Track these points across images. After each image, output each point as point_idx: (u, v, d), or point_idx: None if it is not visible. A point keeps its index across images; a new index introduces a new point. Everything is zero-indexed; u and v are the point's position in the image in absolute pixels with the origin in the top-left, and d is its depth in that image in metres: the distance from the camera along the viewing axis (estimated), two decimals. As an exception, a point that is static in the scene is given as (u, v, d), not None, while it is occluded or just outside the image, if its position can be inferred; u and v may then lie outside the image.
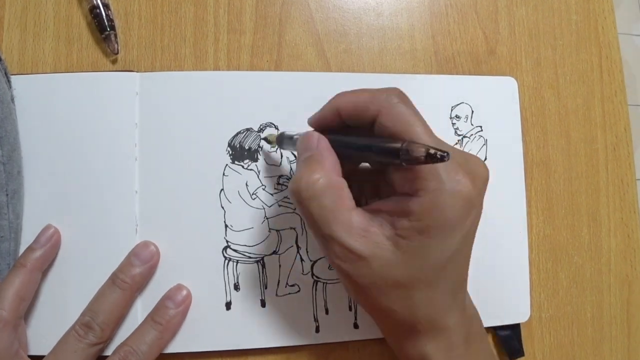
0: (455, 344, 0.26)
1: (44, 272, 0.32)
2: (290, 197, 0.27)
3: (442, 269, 0.25)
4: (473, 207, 0.25)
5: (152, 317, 0.32)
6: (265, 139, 0.35)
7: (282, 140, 0.32)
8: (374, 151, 0.25)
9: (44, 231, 0.32)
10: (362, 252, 0.25)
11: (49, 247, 0.32)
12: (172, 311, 0.32)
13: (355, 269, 0.25)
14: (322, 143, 0.27)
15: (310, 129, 0.29)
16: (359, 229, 0.25)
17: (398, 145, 0.23)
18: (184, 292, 0.33)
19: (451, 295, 0.26)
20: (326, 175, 0.25)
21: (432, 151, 0.22)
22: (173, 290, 0.33)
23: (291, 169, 0.36)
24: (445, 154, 0.22)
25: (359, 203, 0.27)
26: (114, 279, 0.32)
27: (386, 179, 0.28)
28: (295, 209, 0.35)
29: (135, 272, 0.32)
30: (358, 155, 0.27)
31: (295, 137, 0.30)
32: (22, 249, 0.32)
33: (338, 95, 0.28)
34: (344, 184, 0.26)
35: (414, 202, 0.24)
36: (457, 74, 0.39)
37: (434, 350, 0.26)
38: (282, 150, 0.36)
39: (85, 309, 0.31)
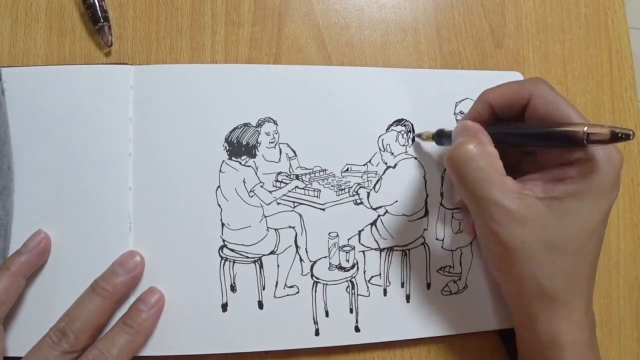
0: (585, 330, 0.27)
1: (35, 272, 0.31)
2: (447, 165, 0.29)
3: (591, 235, 0.27)
4: (620, 180, 0.28)
5: (124, 320, 0.31)
6: (420, 135, 0.35)
7: (442, 136, 0.33)
8: (550, 140, 0.27)
9: (33, 236, 0.31)
10: (517, 212, 0.26)
11: (37, 252, 0.31)
12: (144, 314, 0.31)
13: (509, 230, 0.26)
14: (477, 126, 0.29)
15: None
16: (513, 191, 0.27)
17: (580, 129, 0.26)
18: (157, 295, 0.32)
19: (591, 269, 0.28)
20: (481, 143, 0.28)
21: (617, 131, 0.24)
22: (146, 292, 0.32)
23: (290, 165, 0.35)
24: (631, 132, 0.24)
25: None
26: (95, 286, 0.31)
27: (539, 155, 0.30)
28: (294, 207, 0.34)
29: (117, 280, 0.31)
30: (520, 142, 0.29)
31: (451, 131, 0.32)
32: (12, 247, 0.32)
33: (485, 90, 0.31)
34: (497, 153, 0.28)
35: (572, 169, 0.27)
36: (462, 68, 0.38)
37: (568, 330, 0.27)
38: (280, 147, 0.35)
39: (63, 314, 0.30)
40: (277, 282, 0.34)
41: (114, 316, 0.32)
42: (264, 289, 0.34)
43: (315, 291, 0.34)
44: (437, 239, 0.36)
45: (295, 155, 0.35)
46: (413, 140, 0.36)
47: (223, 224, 0.33)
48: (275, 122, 0.35)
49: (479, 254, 0.36)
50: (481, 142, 0.28)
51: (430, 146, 0.36)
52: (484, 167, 0.27)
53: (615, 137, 0.24)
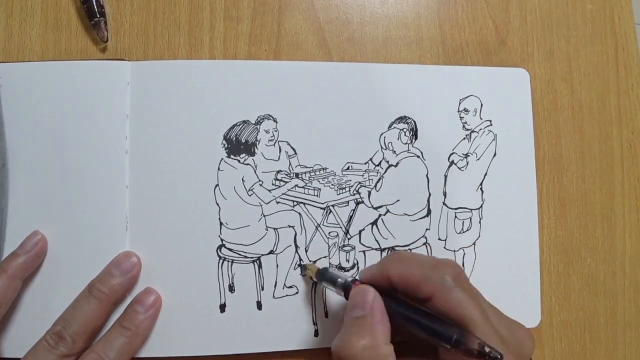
0: None
1: (31, 274, 0.31)
2: (334, 357, 0.26)
3: None
4: None
5: (121, 322, 0.31)
6: (304, 266, 0.34)
7: (324, 278, 0.31)
8: (427, 333, 0.26)
9: (30, 237, 0.31)
10: None
11: (33, 254, 0.31)
12: (142, 316, 0.31)
13: None
14: (377, 304, 0.27)
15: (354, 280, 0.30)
16: None
17: (452, 334, 0.24)
18: (153, 296, 0.32)
19: None
20: (375, 344, 0.25)
21: (486, 349, 0.23)
22: (142, 293, 0.32)
23: (290, 163, 0.34)
24: (499, 355, 0.23)
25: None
26: (90, 288, 0.30)
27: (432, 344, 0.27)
28: (294, 206, 0.34)
29: (114, 282, 0.31)
30: (411, 327, 0.27)
31: (340, 280, 0.30)
32: (7, 245, 0.31)
33: (391, 259, 0.29)
34: (390, 352, 0.26)
35: None
36: (465, 65, 0.38)
37: None
38: (280, 145, 0.34)
39: (59, 317, 0.30)
40: (276, 282, 0.33)
41: (110, 317, 0.31)
42: (262, 289, 0.33)
43: (315, 292, 0.34)
44: (439, 239, 0.35)
45: (295, 154, 0.34)
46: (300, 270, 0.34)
47: (221, 223, 0.33)
48: (274, 120, 0.34)
49: (482, 255, 0.36)
50: (375, 342, 0.25)
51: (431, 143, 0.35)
52: None
53: (482, 354, 0.23)
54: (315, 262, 0.34)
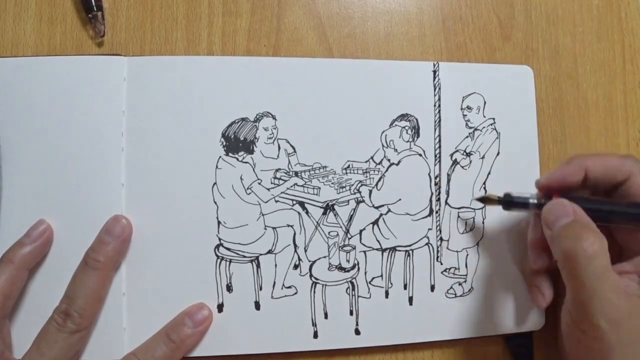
0: None
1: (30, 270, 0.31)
2: (563, 259, 0.28)
3: None
4: None
5: (167, 332, 0.31)
6: (484, 198, 0.33)
7: (510, 204, 0.32)
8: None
9: (36, 226, 0.31)
10: (624, 311, 0.27)
11: (40, 243, 0.30)
12: (189, 330, 0.31)
13: (614, 328, 0.27)
14: (579, 210, 0.29)
15: (533, 189, 0.32)
16: (620, 289, 0.27)
17: None
18: (205, 312, 0.32)
19: None
20: (599, 239, 0.28)
21: None
22: (194, 307, 0.32)
23: (289, 162, 0.34)
24: None
25: None
26: (86, 260, 0.30)
27: (621, 239, 0.31)
28: (293, 205, 0.34)
29: (108, 248, 0.30)
30: (615, 219, 0.30)
31: (531, 201, 0.31)
32: (2, 244, 0.30)
33: (580, 156, 0.32)
34: (607, 246, 0.28)
35: None
36: (468, 61, 0.37)
37: None
38: (279, 142, 0.34)
39: (63, 296, 0.30)
40: (274, 283, 0.33)
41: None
42: (261, 289, 0.33)
43: (314, 292, 0.33)
44: (442, 239, 0.35)
45: (295, 152, 0.34)
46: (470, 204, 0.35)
47: (219, 222, 0.33)
48: (273, 117, 0.34)
49: (486, 255, 0.35)
50: (597, 236, 0.28)
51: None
52: (603, 266, 0.27)
53: None
54: (315, 262, 0.34)
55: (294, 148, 0.34)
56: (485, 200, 0.33)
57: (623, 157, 0.31)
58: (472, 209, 0.35)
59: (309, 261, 0.34)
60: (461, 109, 0.36)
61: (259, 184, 0.33)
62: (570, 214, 0.29)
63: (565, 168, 0.31)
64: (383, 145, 0.35)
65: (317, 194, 0.34)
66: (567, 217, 0.29)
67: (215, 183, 0.33)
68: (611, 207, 0.30)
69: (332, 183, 0.34)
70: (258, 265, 0.33)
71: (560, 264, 0.29)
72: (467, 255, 0.35)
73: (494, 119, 0.36)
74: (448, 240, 0.35)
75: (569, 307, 0.29)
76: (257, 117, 0.34)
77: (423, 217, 0.35)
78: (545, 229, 0.30)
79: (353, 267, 0.34)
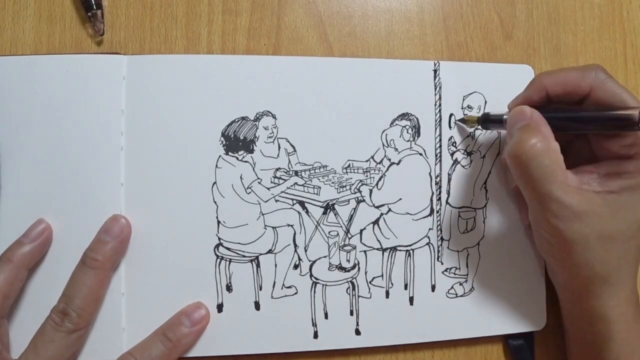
0: (631, 305, 0.30)
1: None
2: (509, 160, 0.30)
3: None
4: None
5: (164, 331, 0.31)
6: (464, 120, 0.35)
7: (487, 121, 0.34)
8: (601, 122, 0.29)
9: (35, 225, 0.31)
10: (577, 207, 0.28)
11: (40, 243, 0.30)
12: (186, 329, 0.31)
13: (569, 225, 0.28)
14: (536, 114, 0.30)
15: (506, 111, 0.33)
16: (573, 187, 0.28)
17: (635, 113, 0.27)
18: (203, 311, 0.32)
19: (639, 252, 0.30)
20: (545, 139, 0.28)
21: None
22: (192, 307, 0.32)
23: (289, 161, 0.34)
24: None
25: None
26: (84, 259, 0.30)
27: (594, 146, 0.31)
28: (293, 205, 0.33)
29: (106, 248, 0.30)
30: (576, 127, 0.30)
31: (505, 117, 0.32)
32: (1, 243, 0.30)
33: (541, 75, 0.31)
34: (558, 147, 0.29)
35: (630, 163, 0.29)
36: (469, 60, 0.37)
37: (616, 305, 0.29)
38: (279, 142, 0.34)
39: (61, 295, 0.30)
40: (274, 282, 0.33)
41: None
42: (260, 289, 0.33)
43: (314, 292, 0.33)
44: (442, 238, 0.35)
45: (295, 151, 0.34)
46: (451, 125, 0.35)
47: (219, 222, 0.33)
48: (273, 116, 0.34)
49: (487, 255, 0.35)
50: (545, 137, 0.29)
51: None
52: (548, 165, 0.28)
53: None
54: (315, 261, 0.33)
55: (294, 147, 0.34)
56: (465, 121, 0.35)
57: (583, 69, 0.30)
58: (473, 208, 0.35)
59: (309, 261, 0.33)
60: (462, 108, 0.36)
61: (259, 183, 0.33)
62: (527, 118, 0.29)
63: (527, 90, 0.32)
64: (384, 145, 0.34)
65: (317, 194, 0.34)
66: (522, 122, 0.29)
67: (215, 182, 0.33)
68: (572, 114, 0.30)
69: (333, 182, 0.34)
70: (258, 265, 0.33)
71: (510, 167, 0.30)
72: (468, 255, 0.35)
73: (495, 118, 0.36)
74: (449, 240, 0.35)
75: (529, 208, 0.30)
76: (257, 116, 0.34)
77: (424, 217, 0.35)
78: (507, 138, 0.31)
79: (353, 267, 0.34)
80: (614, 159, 0.30)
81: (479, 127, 0.35)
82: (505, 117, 0.32)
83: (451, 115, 0.35)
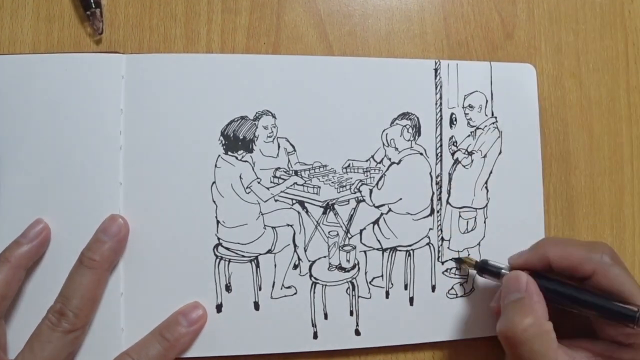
0: None
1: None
2: (501, 338, 0.29)
3: None
4: None
5: (161, 331, 0.31)
6: (460, 259, 0.34)
7: (484, 270, 0.33)
8: (604, 311, 0.29)
9: (33, 225, 0.30)
10: None
11: (38, 243, 0.30)
12: (183, 329, 0.31)
13: None
14: (531, 286, 0.29)
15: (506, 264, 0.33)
16: None
17: (635, 310, 0.28)
18: (200, 311, 0.31)
19: None
20: (537, 322, 0.28)
21: None
22: (189, 306, 0.32)
23: (289, 160, 0.34)
24: None
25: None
26: (82, 259, 0.30)
27: (594, 323, 0.31)
28: (293, 205, 0.33)
29: (104, 248, 0.30)
30: (574, 306, 0.30)
31: (502, 271, 0.32)
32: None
33: (548, 243, 0.32)
34: (551, 327, 0.28)
35: (627, 352, 0.29)
36: (470, 59, 0.37)
37: None
38: (279, 141, 0.34)
39: (58, 295, 0.30)
40: (273, 283, 0.33)
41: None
42: (260, 289, 0.33)
43: (314, 292, 0.33)
44: (443, 239, 0.35)
45: (294, 150, 0.34)
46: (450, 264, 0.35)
47: (218, 222, 0.33)
48: (273, 116, 0.34)
49: (487, 255, 0.35)
50: (537, 318, 0.28)
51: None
52: (539, 350, 0.27)
53: None
54: (314, 261, 0.33)
55: (293, 147, 0.34)
56: (462, 261, 0.34)
57: (590, 249, 0.30)
58: (474, 208, 0.35)
59: (309, 261, 0.33)
60: (463, 107, 0.35)
61: (259, 183, 0.33)
62: (522, 290, 0.29)
63: (530, 255, 0.32)
64: (384, 144, 0.34)
65: (317, 193, 0.34)
66: (518, 293, 0.29)
67: (214, 182, 0.33)
68: (572, 293, 0.30)
69: (332, 182, 0.34)
70: (257, 265, 0.33)
71: (502, 343, 0.29)
72: (469, 255, 0.35)
73: (496, 117, 0.36)
74: (449, 240, 0.35)
75: None
76: (257, 115, 0.33)
77: (424, 217, 0.34)
78: (501, 306, 0.30)
79: (353, 267, 0.34)
80: (612, 342, 0.29)
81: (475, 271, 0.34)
82: (503, 271, 0.32)
83: (452, 114, 0.35)
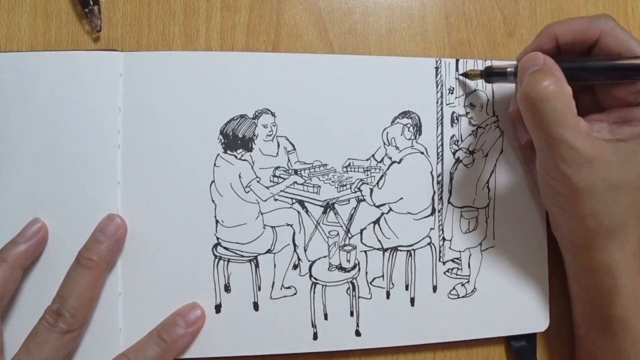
0: (637, 258, 0.29)
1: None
2: (521, 102, 0.29)
3: None
4: None
5: (159, 332, 0.30)
6: (466, 74, 0.34)
7: (491, 74, 0.33)
8: (617, 72, 0.29)
9: (30, 224, 0.30)
10: (587, 154, 0.27)
11: (35, 242, 0.30)
12: (182, 330, 0.31)
13: (578, 171, 0.28)
14: (549, 59, 0.29)
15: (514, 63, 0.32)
16: (584, 133, 0.28)
17: None
18: (198, 312, 0.31)
19: None
20: (558, 82, 0.28)
21: None
22: (187, 307, 0.31)
23: (288, 159, 0.33)
24: None
25: None
26: (79, 259, 0.30)
27: (600, 95, 0.32)
28: (292, 204, 0.33)
29: (101, 247, 0.30)
30: (586, 77, 0.30)
31: (509, 69, 0.32)
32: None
33: (550, 24, 0.31)
34: (571, 91, 0.28)
35: (638, 110, 0.29)
36: (472, 58, 0.37)
37: (622, 258, 0.29)
38: (279, 140, 0.33)
39: (55, 295, 0.30)
40: (273, 283, 0.33)
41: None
42: (259, 289, 0.33)
43: (314, 293, 0.33)
44: (444, 238, 0.34)
45: (294, 149, 0.33)
46: (456, 77, 0.35)
47: (217, 221, 0.32)
48: (273, 114, 0.33)
49: (489, 255, 0.35)
50: (558, 79, 0.28)
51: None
52: (561, 108, 0.27)
53: None
54: (314, 261, 0.33)
55: (293, 146, 0.33)
56: (468, 75, 0.34)
57: (592, 17, 0.30)
58: (475, 208, 0.35)
59: (309, 261, 0.33)
60: (464, 106, 0.35)
61: (258, 182, 0.33)
62: (540, 63, 0.29)
63: (537, 39, 0.32)
64: (384, 143, 0.34)
65: (317, 193, 0.33)
66: (535, 66, 0.29)
67: (213, 181, 0.32)
68: (582, 64, 0.30)
69: (333, 181, 0.34)
70: (257, 265, 0.33)
71: (522, 111, 0.29)
72: (470, 255, 0.35)
73: (497, 117, 0.36)
74: (451, 240, 0.34)
75: (537, 154, 0.30)
76: (256, 114, 0.33)
77: (425, 217, 0.34)
78: (518, 84, 0.30)
79: (353, 267, 0.33)
80: (623, 106, 0.30)
81: (482, 80, 0.34)
82: (509, 69, 0.32)
83: (453, 113, 0.35)
